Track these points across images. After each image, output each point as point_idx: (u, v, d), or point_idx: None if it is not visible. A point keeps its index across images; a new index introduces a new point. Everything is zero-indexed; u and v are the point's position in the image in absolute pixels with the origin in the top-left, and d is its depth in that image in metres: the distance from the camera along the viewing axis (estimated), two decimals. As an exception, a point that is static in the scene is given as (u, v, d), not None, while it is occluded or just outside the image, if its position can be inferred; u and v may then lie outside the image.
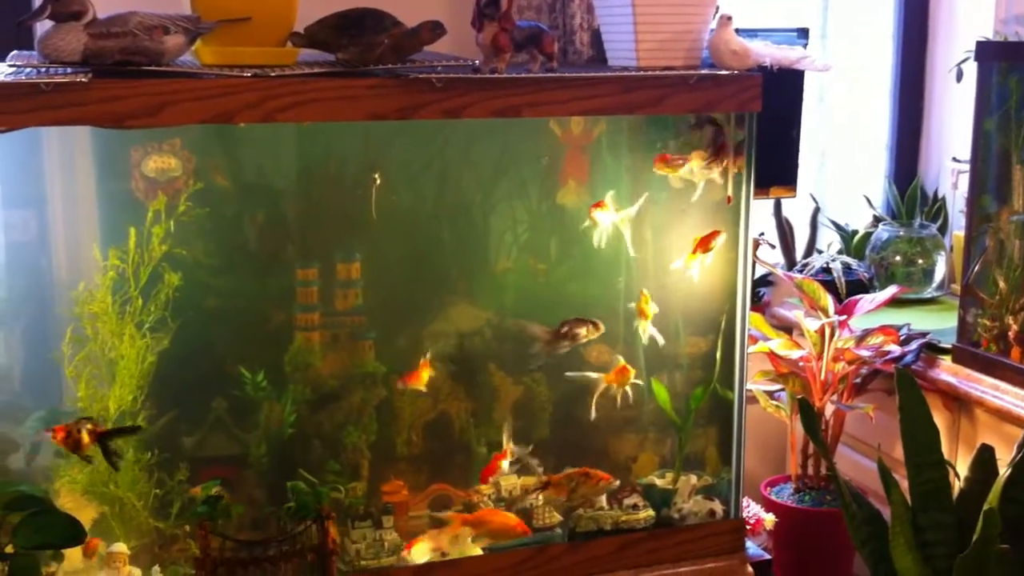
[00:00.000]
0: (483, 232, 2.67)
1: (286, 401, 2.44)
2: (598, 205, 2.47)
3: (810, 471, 2.93)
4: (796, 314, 2.85)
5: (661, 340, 2.52)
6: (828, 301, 2.79)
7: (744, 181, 2.43)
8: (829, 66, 2.38)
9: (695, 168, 2.42)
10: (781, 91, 2.42)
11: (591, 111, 2.30)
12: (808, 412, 2.40)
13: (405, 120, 2.14)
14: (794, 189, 2.50)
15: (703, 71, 2.31)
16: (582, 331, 2.45)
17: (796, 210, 3.41)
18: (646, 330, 2.51)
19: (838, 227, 3.47)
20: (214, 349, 2.44)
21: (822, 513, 2.82)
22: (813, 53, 2.39)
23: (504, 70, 2.18)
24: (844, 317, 2.76)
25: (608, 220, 2.48)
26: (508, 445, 2.49)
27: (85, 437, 2.10)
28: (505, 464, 2.47)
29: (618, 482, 2.50)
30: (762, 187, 2.46)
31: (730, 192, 2.45)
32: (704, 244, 2.46)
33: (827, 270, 3.19)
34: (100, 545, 2.26)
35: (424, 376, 2.45)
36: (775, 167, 2.46)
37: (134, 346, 2.25)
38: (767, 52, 2.34)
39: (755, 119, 2.39)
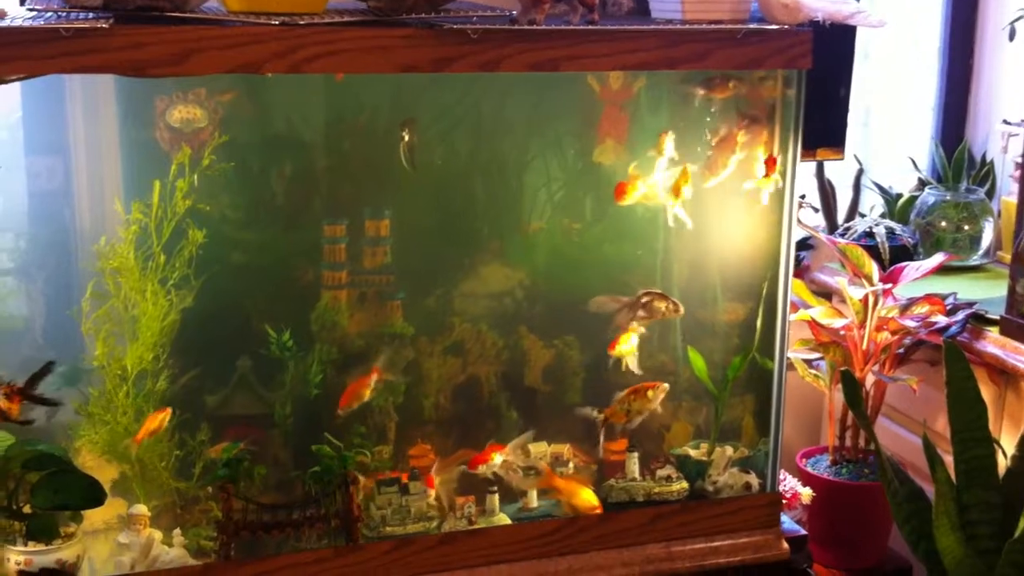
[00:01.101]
0: (516, 190, 2.59)
1: (312, 361, 2.38)
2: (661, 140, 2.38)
3: (848, 442, 2.84)
4: (839, 281, 2.75)
5: (688, 223, 2.39)
6: (873, 268, 2.69)
7: (791, 142, 2.33)
8: (884, 22, 2.26)
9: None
10: (831, 47, 2.31)
11: (633, 66, 2.20)
12: (851, 385, 2.32)
13: (439, 73, 2.05)
14: (842, 152, 2.39)
15: (751, 25, 2.20)
16: (661, 306, 2.36)
17: (838, 171, 3.30)
18: (673, 211, 2.39)
19: (882, 190, 3.36)
20: (238, 307, 2.38)
21: (860, 487, 2.74)
22: (866, 8, 2.27)
23: (543, 22, 2.08)
24: (889, 285, 2.66)
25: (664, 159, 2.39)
26: (512, 445, 2.41)
27: (5, 403, 2.01)
28: (498, 458, 2.38)
29: (667, 386, 2.43)
30: (808, 149, 2.35)
31: (775, 153, 2.35)
32: (771, 165, 2.35)
33: (870, 234, 3.08)
34: (166, 418, 2.20)
35: (364, 393, 2.34)
36: (823, 128, 2.35)
37: (156, 303, 2.18)
38: (819, 6, 2.22)
39: (803, 77, 2.28)
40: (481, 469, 2.39)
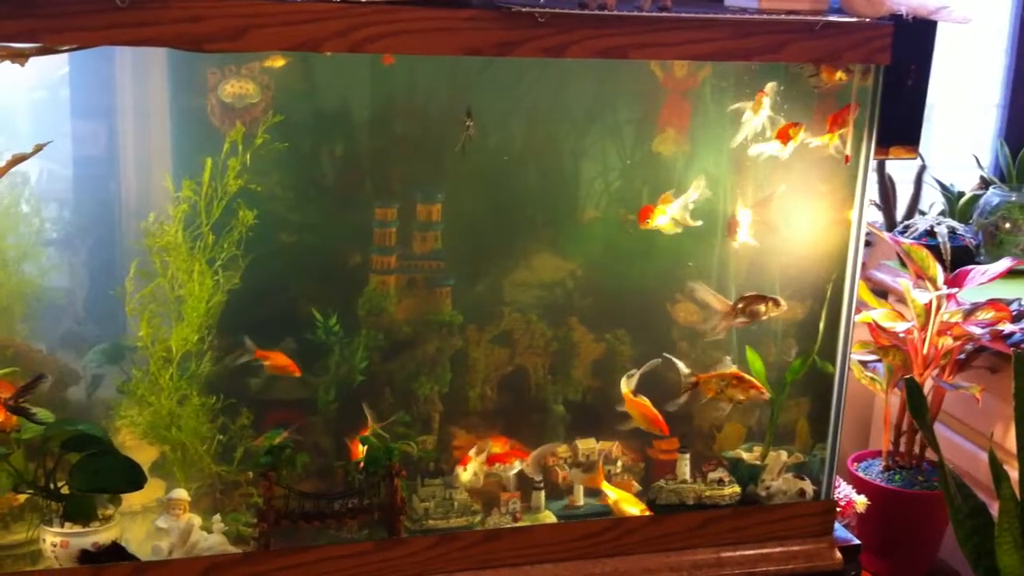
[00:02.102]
0: (572, 178, 2.52)
1: (357, 347, 2.32)
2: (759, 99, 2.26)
3: (902, 448, 2.76)
4: (902, 283, 2.66)
5: (762, 151, 2.28)
6: (938, 272, 2.60)
7: (865, 139, 2.24)
8: (969, 18, 2.16)
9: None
10: (909, 42, 2.20)
11: (704, 56, 2.11)
12: (916, 394, 2.23)
13: (503, 57, 1.97)
14: (916, 150, 2.29)
15: (830, 17, 2.11)
16: (761, 308, 2.27)
17: (898, 166, 3.19)
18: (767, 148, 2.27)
19: (943, 187, 3.25)
20: (285, 289, 2.32)
21: (913, 495, 2.65)
22: (951, 3, 2.17)
23: (613, 7, 2.00)
24: (955, 290, 2.57)
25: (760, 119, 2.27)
26: (534, 457, 2.34)
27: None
28: (518, 464, 2.31)
29: (768, 397, 2.35)
30: (882, 146, 2.26)
31: (848, 151, 2.26)
32: (839, 122, 2.25)
33: (931, 233, 2.98)
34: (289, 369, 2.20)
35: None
36: (898, 125, 2.25)
37: (203, 284, 2.12)
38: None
39: (881, 72, 2.19)
40: (497, 468, 2.32)
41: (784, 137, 2.24)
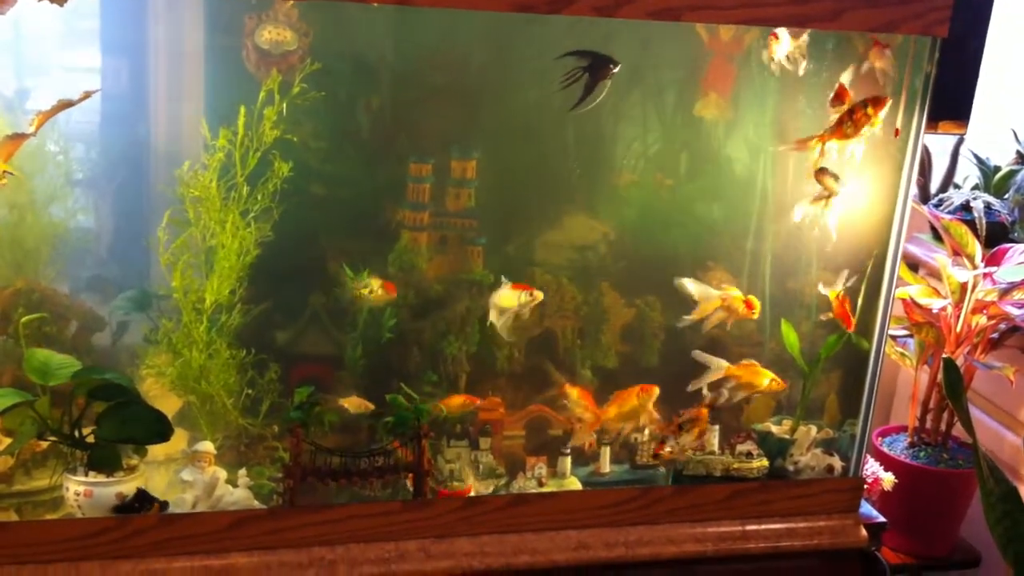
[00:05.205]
0: (610, 139, 2.46)
1: (387, 303, 2.28)
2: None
3: (927, 425, 2.73)
4: (938, 259, 2.62)
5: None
6: (976, 249, 2.56)
7: (916, 113, 2.18)
8: (1031, -8, 2.11)
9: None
10: (965, 14, 2.14)
11: (759, 21, 2.05)
12: (954, 374, 2.20)
13: (554, 14, 1.91)
14: (966, 125, 2.24)
15: (889, -15, 2.05)
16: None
17: (932, 137, 3.12)
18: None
19: (979, 161, 3.20)
20: (315, 243, 2.28)
21: (938, 473, 2.63)
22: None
23: (668, -33, 1.93)
24: (993, 269, 2.53)
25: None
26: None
27: None
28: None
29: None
30: (930, 121, 2.20)
31: (899, 124, 2.20)
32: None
33: (966, 208, 2.93)
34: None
35: None
36: (949, 99, 2.19)
37: (236, 236, 2.08)
38: (964, -30, 2.06)
39: (938, 45, 2.13)
40: None
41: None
